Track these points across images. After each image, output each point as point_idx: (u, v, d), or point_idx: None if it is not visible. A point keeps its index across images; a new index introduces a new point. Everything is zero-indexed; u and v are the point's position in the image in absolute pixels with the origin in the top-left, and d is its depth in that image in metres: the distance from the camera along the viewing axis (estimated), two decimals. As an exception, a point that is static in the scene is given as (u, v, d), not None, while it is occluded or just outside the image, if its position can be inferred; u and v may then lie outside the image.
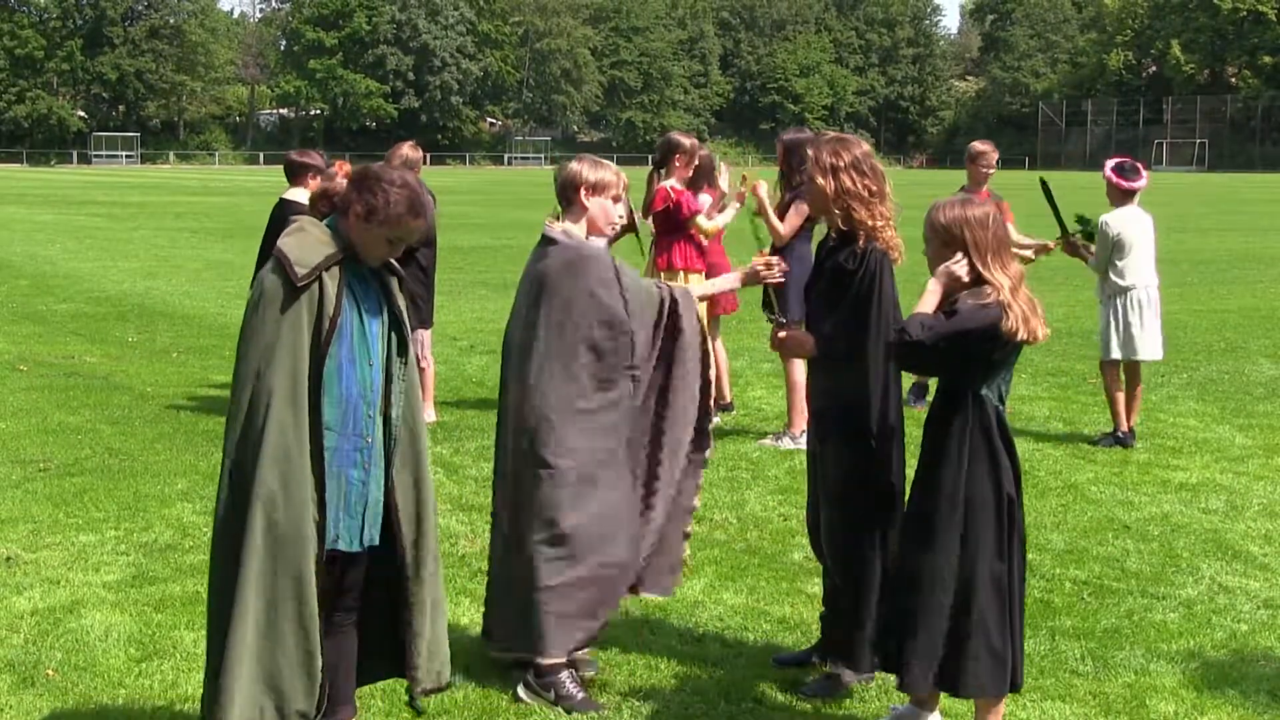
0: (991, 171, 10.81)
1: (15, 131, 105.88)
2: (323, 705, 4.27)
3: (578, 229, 5.36)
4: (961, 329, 4.56)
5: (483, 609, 5.54)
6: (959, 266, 4.64)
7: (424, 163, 10.79)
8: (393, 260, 4.40)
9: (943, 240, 4.69)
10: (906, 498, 4.99)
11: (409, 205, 4.19)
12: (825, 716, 5.20)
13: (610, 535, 5.19)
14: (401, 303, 4.39)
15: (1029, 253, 10.15)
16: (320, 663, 4.21)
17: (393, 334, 4.35)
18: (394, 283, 4.39)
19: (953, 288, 4.69)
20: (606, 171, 5.41)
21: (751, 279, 5.80)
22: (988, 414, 4.68)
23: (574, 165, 5.45)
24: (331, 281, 4.13)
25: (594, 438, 5.16)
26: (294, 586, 4.12)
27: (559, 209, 5.42)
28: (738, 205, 10.11)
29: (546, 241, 5.32)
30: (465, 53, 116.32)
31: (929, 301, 4.64)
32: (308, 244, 4.15)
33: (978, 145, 11.01)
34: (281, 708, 4.18)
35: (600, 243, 5.41)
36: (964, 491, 4.65)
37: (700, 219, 9.90)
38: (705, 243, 10.10)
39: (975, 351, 4.61)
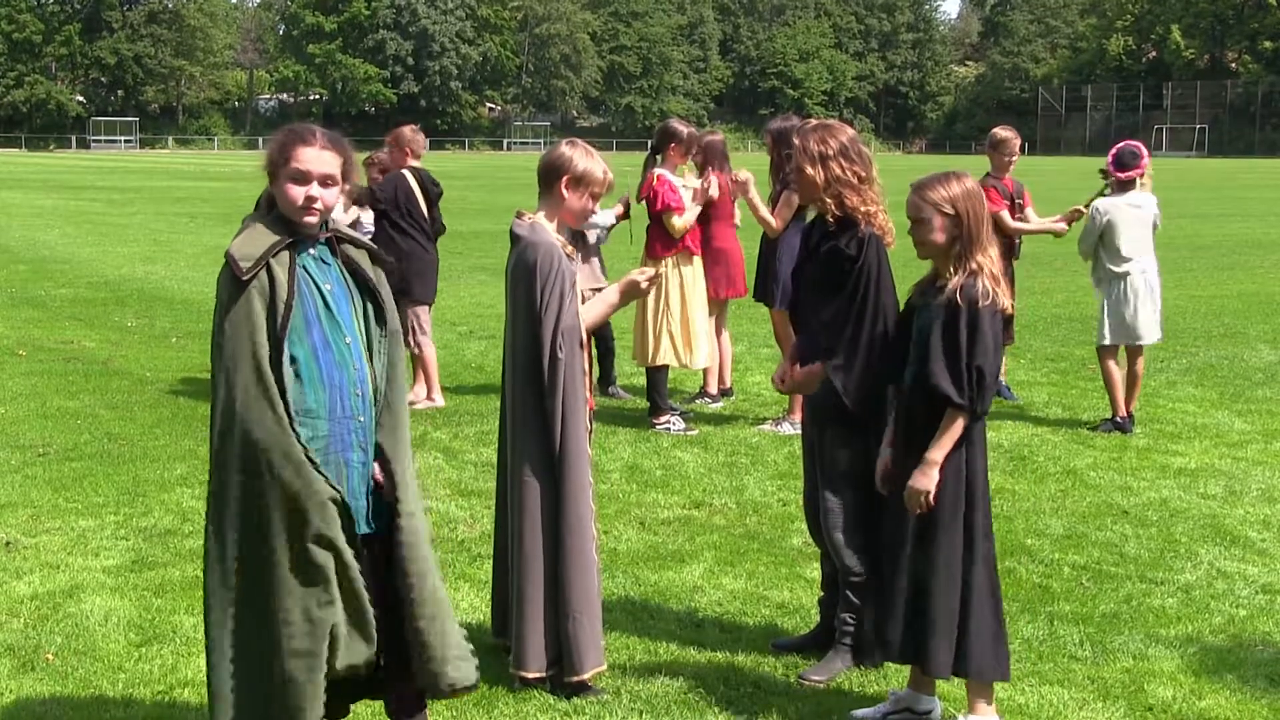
0: (1015, 159, 10.66)
1: (14, 116, 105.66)
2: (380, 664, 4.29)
3: (546, 223, 5.19)
4: (996, 342, 4.66)
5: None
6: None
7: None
8: (355, 234, 4.36)
9: (944, 214, 4.69)
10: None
11: (287, 135, 4.15)
12: (824, 701, 5.20)
13: None
14: (374, 274, 4.35)
15: (1061, 225, 10.70)
16: (374, 627, 4.19)
17: (368, 304, 4.32)
18: (362, 256, 4.34)
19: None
20: (594, 165, 5.20)
21: (632, 292, 5.39)
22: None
23: (564, 150, 5.25)
24: (281, 268, 4.09)
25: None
26: (320, 569, 4.11)
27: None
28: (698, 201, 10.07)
29: (514, 239, 5.20)
30: (464, 38, 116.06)
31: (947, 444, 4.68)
32: (252, 238, 4.12)
33: (1001, 132, 10.77)
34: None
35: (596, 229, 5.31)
36: (965, 474, 4.71)
37: (674, 219, 9.79)
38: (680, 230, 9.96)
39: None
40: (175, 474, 8.36)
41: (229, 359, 4.04)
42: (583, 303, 5.29)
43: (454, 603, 6.11)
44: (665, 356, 9.85)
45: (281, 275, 4.09)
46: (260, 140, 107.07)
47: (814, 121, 5.59)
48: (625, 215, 10.33)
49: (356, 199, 10.24)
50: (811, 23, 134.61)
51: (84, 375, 11.60)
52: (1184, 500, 8.07)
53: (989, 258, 4.69)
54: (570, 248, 5.24)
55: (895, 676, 5.33)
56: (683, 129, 10.09)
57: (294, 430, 4.05)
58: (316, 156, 4.14)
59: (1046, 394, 11.25)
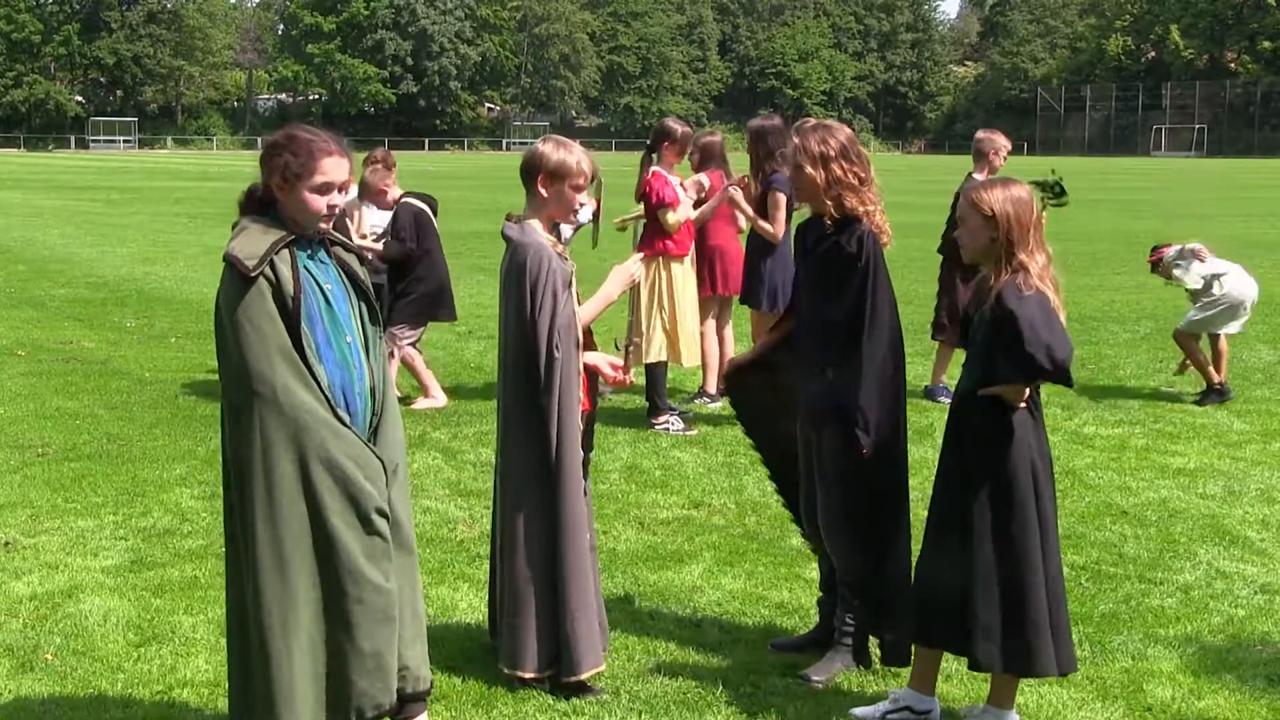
0: (1003, 164, 10.68)
1: (13, 116, 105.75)
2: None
3: (535, 224, 5.17)
4: (1047, 318, 4.70)
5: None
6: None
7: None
8: (341, 237, 4.39)
9: (985, 217, 4.72)
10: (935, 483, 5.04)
11: (305, 145, 4.16)
12: (824, 701, 5.20)
13: None
14: (363, 274, 4.38)
15: None
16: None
17: (362, 305, 4.34)
18: (352, 259, 4.38)
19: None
20: (569, 156, 5.13)
21: (627, 280, 5.41)
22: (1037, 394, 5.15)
23: (538, 147, 5.20)
24: (285, 264, 4.11)
25: None
26: (384, 539, 4.24)
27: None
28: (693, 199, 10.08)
29: (506, 242, 5.18)
30: (463, 38, 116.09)
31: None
32: (251, 238, 4.13)
33: (1000, 140, 10.77)
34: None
35: (565, 231, 5.24)
36: (1005, 476, 5.09)
37: (668, 214, 9.80)
38: (677, 229, 9.95)
39: None
40: (174, 474, 8.36)
41: (256, 355, 4.04)
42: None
43: (454, 603, 6.13)
44: (661, 354, 9.87)
45: (286, 272, 4.11)
46: (259, 140, 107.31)
47: (812, 121, 5.57)
48: (597, 210, 10.36)
49: (383, 247, 10.21)
50: (810, 23, 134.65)
51: (83, 375, 11.60)
52: (1183, 500, 8.08)
53: (1035, 261, 4.69)
54: (561, 247, 5.23)
55: (894, 676, 5.33)
56: (677, 127, 10.11)
57: (334, 410, 4.11)
58: (337, 165, 4.20)
59: (1045, 393, 11.17)
